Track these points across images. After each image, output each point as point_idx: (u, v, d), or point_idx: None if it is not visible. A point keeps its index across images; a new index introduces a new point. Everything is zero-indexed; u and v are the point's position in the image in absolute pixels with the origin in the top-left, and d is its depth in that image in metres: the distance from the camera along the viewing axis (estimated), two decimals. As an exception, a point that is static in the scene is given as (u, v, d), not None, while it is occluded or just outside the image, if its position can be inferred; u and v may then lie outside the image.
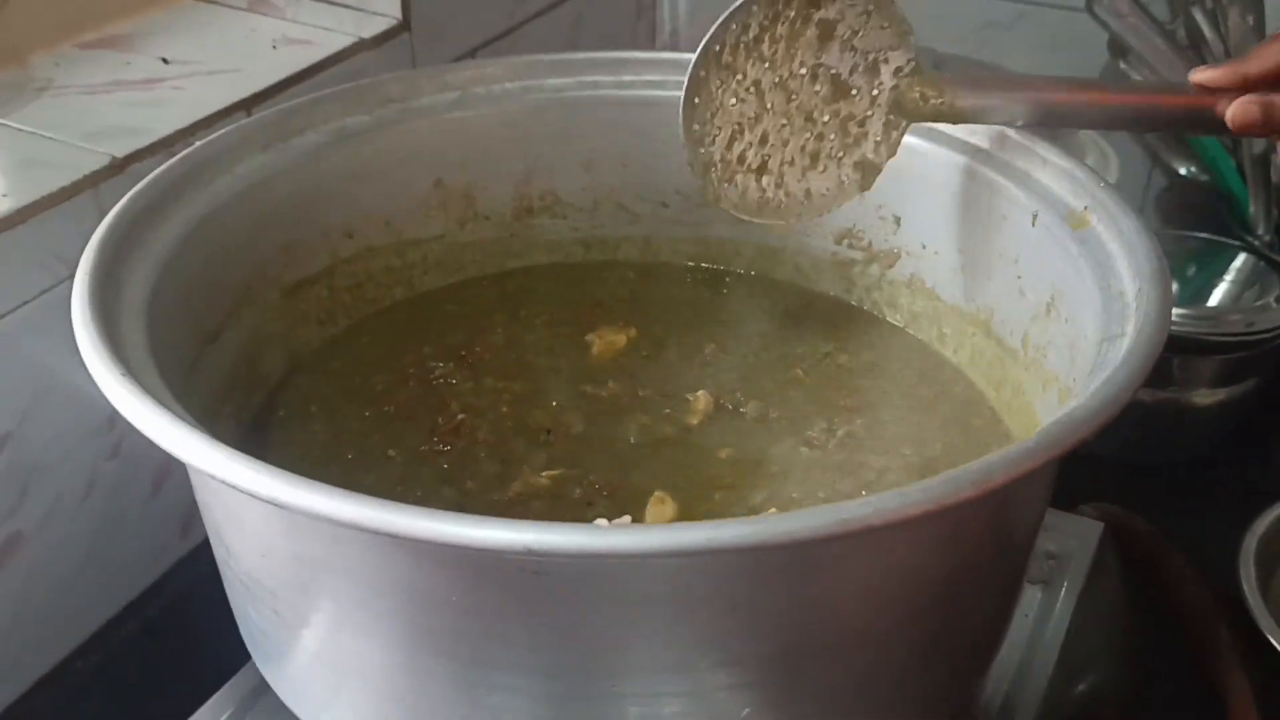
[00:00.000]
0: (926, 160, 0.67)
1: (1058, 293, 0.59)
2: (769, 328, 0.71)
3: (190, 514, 0.81)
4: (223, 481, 0.41)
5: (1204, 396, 0.90)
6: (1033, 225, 0.61)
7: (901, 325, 0.71)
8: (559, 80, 0.72)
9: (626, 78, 0.73)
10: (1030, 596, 0.65)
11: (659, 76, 0.72)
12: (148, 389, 0.45)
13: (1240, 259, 0.95)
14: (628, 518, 0.42)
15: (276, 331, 0.66)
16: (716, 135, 0.62)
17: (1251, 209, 0.97)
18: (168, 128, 0.74)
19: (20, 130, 0.73)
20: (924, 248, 0.69)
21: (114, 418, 0.73)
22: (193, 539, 0.82)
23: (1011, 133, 0.63)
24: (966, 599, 0.48)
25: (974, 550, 0.46)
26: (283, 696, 0.54)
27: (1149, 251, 0.53)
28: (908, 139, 0.66)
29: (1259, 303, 0.91)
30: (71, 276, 0.59)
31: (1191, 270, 0.95)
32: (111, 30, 0.85)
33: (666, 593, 0.41)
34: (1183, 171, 1.06)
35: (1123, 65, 1.03)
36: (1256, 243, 0.96)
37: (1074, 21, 1.03)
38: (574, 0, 1.11)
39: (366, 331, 0.70)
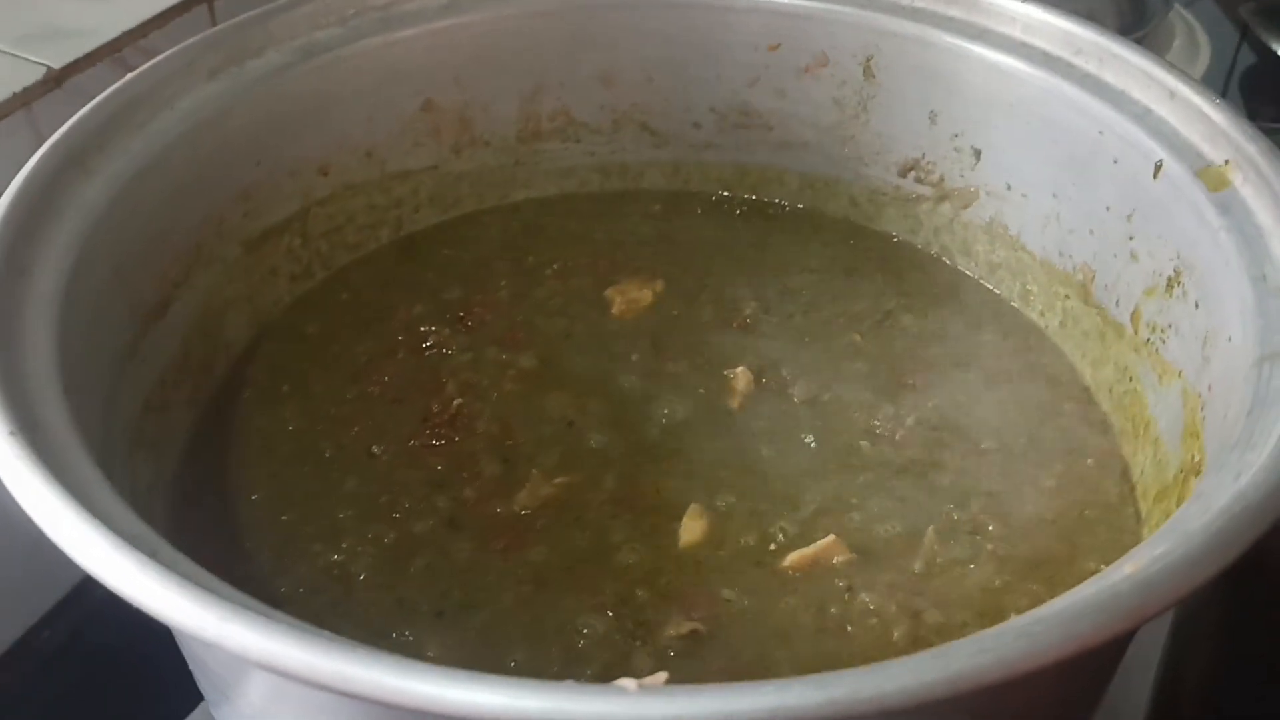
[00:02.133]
0: (1016, 82, 0.55)
1: (1185, 267, 0.48)
2: (820, 278, 0.61)
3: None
4: (107, 585, 0.32)
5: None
6: (1154, 177, 0.49)
7: (977, 277, 0.60)
8: (573, -21, 0.60)
9: (653, -25, 0.61)
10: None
11: (692, -26, 0.60)
12: (43, 442, 0.35)
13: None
14: (664, 675, 0.32)
15: (239, 294, 0.56)
16: None
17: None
18: (115, 29, 0.65)
19: (-63, 31, 0.63)
20: (1009, 188, 0.58)
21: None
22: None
23: (1129, 53, 0.51)
24: (1073, 693, 0.39)
25: (1098, 661, 0.37)
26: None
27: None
28: (991, 54, 0.54)
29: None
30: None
31: None
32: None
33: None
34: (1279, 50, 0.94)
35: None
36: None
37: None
38: None
39: (347, 285, 0.60)
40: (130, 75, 0.51)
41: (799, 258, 0.62)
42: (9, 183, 0.48)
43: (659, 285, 0.60)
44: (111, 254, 0.47)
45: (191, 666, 0.44)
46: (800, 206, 0.65)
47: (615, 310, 0.59)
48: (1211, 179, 0.47)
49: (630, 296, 0.59)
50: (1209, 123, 0.48)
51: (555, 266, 0.61)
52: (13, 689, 0.64)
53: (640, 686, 0.28)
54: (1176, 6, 0.93)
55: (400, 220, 0.62)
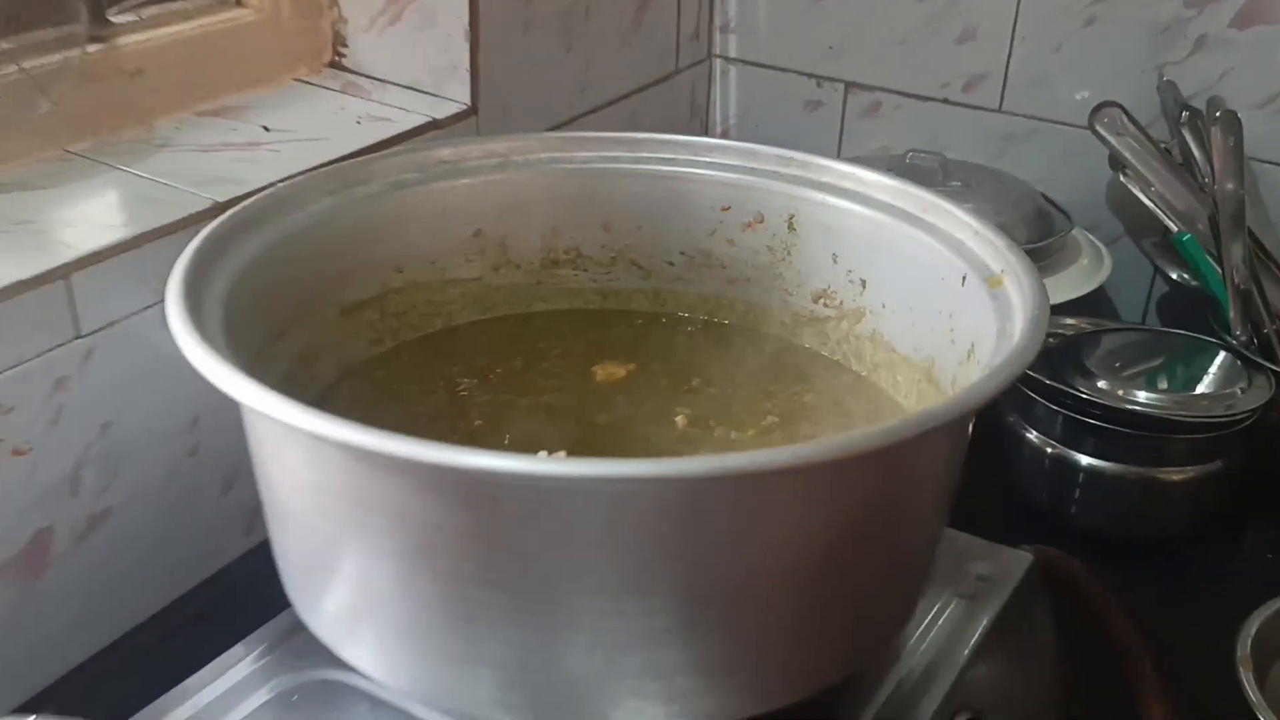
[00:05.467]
0: (888, 231, 0.78)
1: (977, 340, 0.69)
2: (751, 372, 0.82)
3: (254, 516, 0.93)
4: (253, 409, 0.54)
5: (1176, 474, 0.98)
6: (962, 285, 0.71)
7: (864, 374, 0.82)
8: (585, 154, 0.85)
9: (642, 154, 0.85)
10: (958, 607, 0.75)
11: (670, 155, 0.85)
12: (213, 349, 0.58)
13: (1220, 356, 1.03)
14: (562, 452, 0.53)
15: (331, 343, 0.78)
16: None
17: (1231, 313, 1.05)
18: (262, 180, 0.87)
19: (141, 177, 0.87)
20: (884, 306, 0.80)
21: (196, 420, 0.87)
22: (254, 539, 0.94)
23: (953, 208, 0.75)
24: (867, 556, 0.59)
25: (860, 509, 0.56)
26: (305, 619, 0.65)
27: (1040, 304, 0.64)
28: (868, 211, 0.78)
29: (1226, 391, 1.00)
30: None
31: (1180, 366, 1.04)
32: (224, 102, 1.01)
33: (597, 524, 0.52)
34: (1174, 276, 1.14)
35: (1122, 178, 1.13)
36: (1234, 342, 1.04)
37: (1082, 137, 1.14)
38: (629, 100, 1.25)
39: (408, 352, 0.83)
40: (278, 184, 0.76)
41: (738, 361, 0.84)
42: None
43: (632, 366, 0.82)
44: (253, 289, 0.69)
45: (280, 552, 0.65)
46: (745, 325, 0.87)
47: (598, 379, 0.81)
48: (993, 281, 0.69)
49: (609, 371, 0.81)
50: (994, 249, 0.71)
51: (559, 351, 0.83)
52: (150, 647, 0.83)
53: (551, 456, 0.49)
54: (1078, 229, 1.16)
55: (450, 314, 0.85)
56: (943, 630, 0.73)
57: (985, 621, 0.73)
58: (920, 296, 0.76)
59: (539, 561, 0.54)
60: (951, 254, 0.73)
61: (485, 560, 0.54)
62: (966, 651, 0.71)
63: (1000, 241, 0.70)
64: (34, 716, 0.58)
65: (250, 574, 0.91)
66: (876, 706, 0.68)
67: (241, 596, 0.86)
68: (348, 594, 0.60)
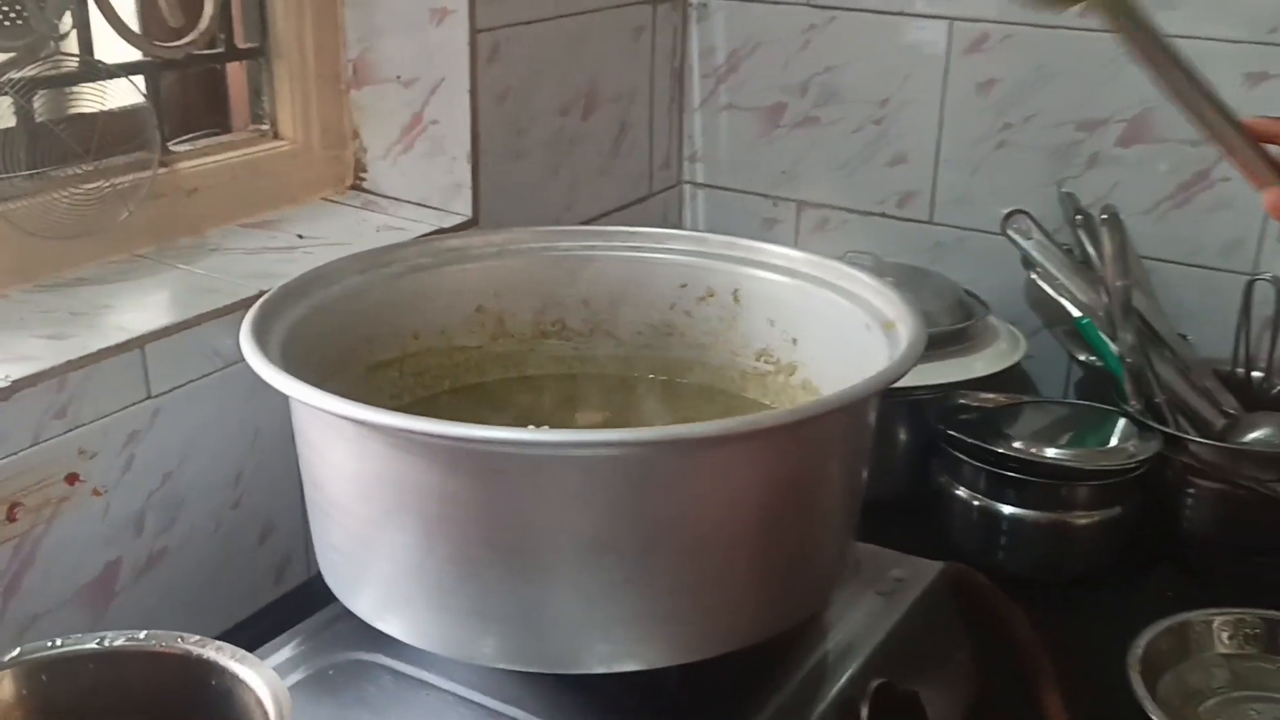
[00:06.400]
0: (812, 297, 0.96)
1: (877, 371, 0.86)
2: (706, 417, 0.99)
3: (283, 565, 1.09)
4: (305, 404, 0.70)
5: (1083, 518, 1.15)
6: (867, 331, 0.89)
7: (798, 417, 0.99)
8: (568, 243, 1.03)
9: (614, 243, 1.04)
10: (876, 600, 0.91)
11: (636, 243, 1.03)
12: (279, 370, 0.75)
13: (1121, 422, 1.21)
14: (546, 426, 0.69)
15: (360, 395, 0.93)
16: None
17: (1126, 386, 1.23)
18: (297, 274, 1.05)
19: (198, 273, 1.05)
20: (813, 359, 0.97)
21: (240, 475, 1.03)
22: (283, 587, 1.10)
23: (859, 273, 0.93)
24: (787, 524, 0.75)
25: (778, 479, 0.73)
26: (343, 599, 0.81)
27: (918, 340, 0.82)
28: (795, 282, 0.96)
29: (1115, 447, 1.18)
30: (225, 367, 0.92)
31: (1086, 430, 1.22)
32: (264, 216, 1.19)
33: (571, 492, 0.68)
34: (1082, 358, 1.32)
35: (1033, 275, 1.32)
36: (1130, 410, 1.22)
37: (1002, 244, 1.33)
38: (609, 218, 1.45)
39: (422, 407, 0.99)
40: (319, 265, 0.94)
41: (695, 410, 1.01)
42: (230, 350, 0.85)
43: (608, 414, 0.99)
44: (301, 342, 0.85)
45: (322, 546, 0.81)
46: (701, 383, 1.04)
47: (579, 423, 0.97)
48: (888, 327, 0.87)
49: (588, 416, 0.98)
50: (890, 302, 0.88)
51: (547, 403, 1.00)
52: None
53: (533, 429, 0.65)
54: (994, 316, 1.35)
55: (457, 377, 1.02)
56: (863, 619, 0.89)
57: (899, 612, 0.89)
58: (838, 346, 0.94)
59: (528, 523, 0.70)
60: (859, 309, 0.91)
61: (489, 524, 0.71)
62: (883, 634, 0.87)
63: (894, 296, 0.88)
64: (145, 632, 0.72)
65: (281, 617, 1.05)
66: (804, 671, 0.83)
67: (273, 634, 1.00)
68: (381, 568, 0.77)
